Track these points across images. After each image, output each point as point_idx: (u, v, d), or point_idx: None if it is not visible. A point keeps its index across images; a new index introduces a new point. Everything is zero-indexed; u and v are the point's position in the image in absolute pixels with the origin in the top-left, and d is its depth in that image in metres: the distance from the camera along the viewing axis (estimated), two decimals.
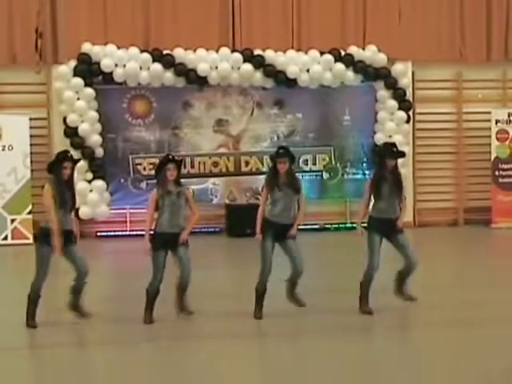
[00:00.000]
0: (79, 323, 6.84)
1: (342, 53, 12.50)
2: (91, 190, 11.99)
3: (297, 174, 7.17)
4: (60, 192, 6.58)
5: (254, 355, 6.00)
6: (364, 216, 7.07)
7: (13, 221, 11.77)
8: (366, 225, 7.00)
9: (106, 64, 11.83)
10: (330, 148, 12.91)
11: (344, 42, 12.66)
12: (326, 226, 12.83)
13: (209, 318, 7.00)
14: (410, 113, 12.85)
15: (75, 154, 11.87)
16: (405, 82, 12.76)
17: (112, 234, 12.34)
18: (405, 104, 12.73)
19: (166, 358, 5.88)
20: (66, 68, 11.86)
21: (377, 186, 6.91)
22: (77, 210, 7.45)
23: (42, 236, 6.65)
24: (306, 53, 12.39)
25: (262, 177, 12.66)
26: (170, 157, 6.88)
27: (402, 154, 7.19)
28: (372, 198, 7.03)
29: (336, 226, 12.89)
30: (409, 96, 12.83)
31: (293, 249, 6.88)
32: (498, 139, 12.99)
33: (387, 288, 7.43)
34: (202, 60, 12.02)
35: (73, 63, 11.87)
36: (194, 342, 6.33)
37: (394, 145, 7.11)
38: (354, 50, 12.57)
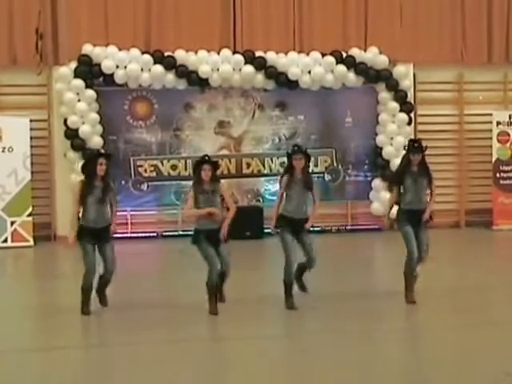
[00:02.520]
0: (85, 325, 6.82)
1: (344, 55, 12.47)
2: None
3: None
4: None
5: (254, 357, 5.97)
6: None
7: (13, 223, 11.70)
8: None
9: (107, 65, 11.79)
10: (331, 150, 12.88)
11: (345, 44, 12.64)
12: (327, 228, 12.79)
13: (211, 320, 6.98)
14: (412, 115, 12.83)
15: (75, 155, 11.90)
16: (406, 83, 12.73)
17: (113, 236, 12.26)
18: (406, 106, 12.71)
19: (166, 359, 5.85)
20: (67, 69, 11.82)
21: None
22: None
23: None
24: (308, 54, 12.36)
25: (264, 179, 12.80)
26: (206, 158, 7.23)
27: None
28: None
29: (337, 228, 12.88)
30: (410, 98, 12.81)
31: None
32: (499, 141, 12.97)
33: (389, 291, 7.42)
34: (203, 62, 11.99)
35: (73, 65, 11.83)
36: (196, 344, 6.30)
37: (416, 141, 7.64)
38: (355, 51, 12.54)
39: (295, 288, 7.40)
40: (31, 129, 11.84)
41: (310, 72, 12.28)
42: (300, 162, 7.25)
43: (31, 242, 11.73)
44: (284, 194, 7.35)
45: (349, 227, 12.94)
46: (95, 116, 11.90)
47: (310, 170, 12.56)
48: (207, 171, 7.11)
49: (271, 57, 12.22)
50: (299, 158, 7.26)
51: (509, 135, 12.97)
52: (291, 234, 7.24)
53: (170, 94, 12.27)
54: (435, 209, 14.07)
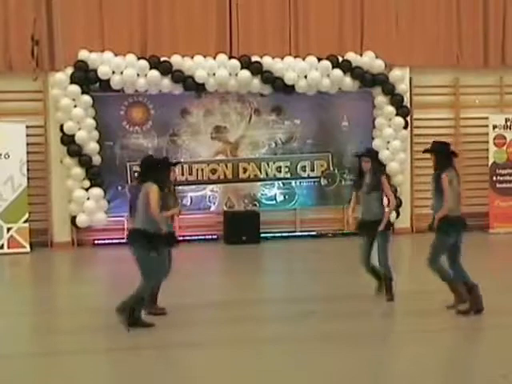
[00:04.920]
0: (82, 331, 6.81)
1: (340, 59, 12.48)
2: (88, 198, 11.93)
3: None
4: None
5: (250, 362, 5.95)
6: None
7: (9, 229, 11.68)
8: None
9: (103, 71, 11.79)
10: (328, 154, 12.89)
11: (341, 48, 12.64)
12: (324, 232, 12.79)
13: (205, 324, 6.96)
14: (408, 119, 12.85)
15: (72, 161, 11.89)
16: (402, 88, 12.75)
17: (109, 241, 12.28)
18: (402, 110, 12.73)
19: (163, 364, 5.84)
20: (63, 75, 11.81)
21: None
22: None
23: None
24: (304, 59, 12.36)
25: (260, 183, 12.80)
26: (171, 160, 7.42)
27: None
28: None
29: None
30: (406, 102, 12.82)
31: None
32: (495, 144, 13.00)
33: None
34: (199, 67, 12.00)
35: (69, 70, 11.81)
36: (191, 349, 6.29)
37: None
38: (351, 56, 12.56)
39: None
40: (27, 135, 11.82)
41: (306, 76, 12.29)
42: (366, 165, 7.55)
43: (27, 249, 11.71)
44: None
45: (345, 231, 12.91)
46: (91, 122, 11.89)
47: (306, 175, 12.83)
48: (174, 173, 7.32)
49: (267, 61, 12.23)
50: (366, 161, 7.56)
51: (505, 138, 13.00)
52: (367, 238, 7.56)
53: (167, 100, 12.26)
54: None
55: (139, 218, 6.76)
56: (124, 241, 12.08)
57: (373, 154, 7.72)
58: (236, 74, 12.12)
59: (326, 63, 12.33)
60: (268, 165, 12.71)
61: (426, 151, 7.32)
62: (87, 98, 11.83)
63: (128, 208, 7.16)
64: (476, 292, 7.07)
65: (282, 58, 12.33)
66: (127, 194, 12.36)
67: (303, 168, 12.83)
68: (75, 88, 11.73)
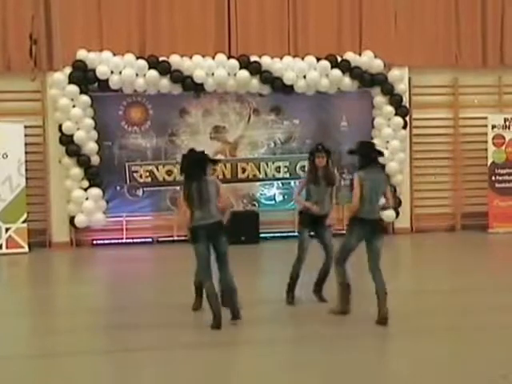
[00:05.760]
0: (81, 331, 6.79)
1: (339, 59, 12.48)
2: (87, 198, 11.91)
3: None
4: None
5: (250, 363, 5.94)
6: None
7: (7, 230, 11.66)
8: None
9: (102, 71, 11.77)
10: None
11: (340, 48, 12.64)
12: None
13: (205, 325, 6.95)
14: (407, 118, 12.85)
15: (71, 161, 11.87)
16: (401, 87, 12.75)
17: (108, 242, 12.26)
18: (401, 110, 12.72)
19: (162, 365, 5.83)
20: (61, 75, 11.79)
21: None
22: None
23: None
24: (303, 59, 12.36)
25: (259, 183, 12.78)
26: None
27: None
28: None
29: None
30: (405, 102, 12.82)
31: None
32: (494, 144, 13.00)
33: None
34: (198, 66, 11.99)
35: (68, 70, 11.80)
36: (191, 350, 6.28)
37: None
38: (350, 55, 12.55)
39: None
40: (26, 135, 11.81)
41: (305, 76, 12.28)
42: (321, 161, 7.55)
43: (26, 249, 11.69)
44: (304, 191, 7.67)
45: (343, 231, 12.87)
46: (90, 122, 11.87)
47: (306, 175, 12.78)
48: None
49: (266, 61, 12.22)
50: (321, 157, 7.56)
51: (504, 138, 13.00)
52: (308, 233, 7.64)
53: (165, 99, 12.24)
54: (432, 212, 14.10)
55: (214, 210, 6.82)
56: (123, 241, 12.20)
57: (328, 150, 7.75)
58: (235, 74, 12.11)
59: (325, 63, 12.32)
60: (267, 165, 12.70)
61: (349, 152, 7.37)
62: (86, 98, 11.81)
63: (193, 200, 6.74)
64: (346, 292, 7.05)
65: (281, 58, 12.32)
66: (126, 194, 12.37)
67: (302, 168, 12.80)
68: (74, 88, 11.71)
